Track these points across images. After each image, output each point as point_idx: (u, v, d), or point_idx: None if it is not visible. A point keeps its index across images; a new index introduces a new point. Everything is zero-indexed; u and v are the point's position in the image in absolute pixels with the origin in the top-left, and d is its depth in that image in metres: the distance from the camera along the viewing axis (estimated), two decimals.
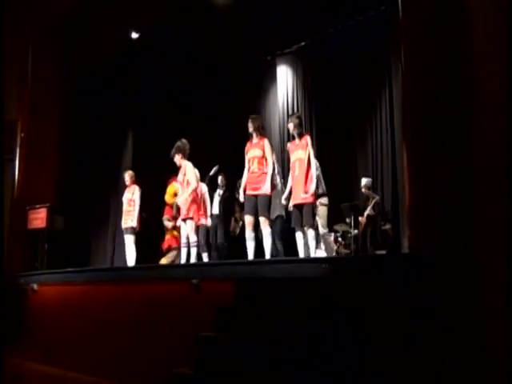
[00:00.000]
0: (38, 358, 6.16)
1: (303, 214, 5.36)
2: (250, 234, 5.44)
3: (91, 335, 5.68)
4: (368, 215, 7.27)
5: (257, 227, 5.53)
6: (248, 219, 5.46)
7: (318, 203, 6.13)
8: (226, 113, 8.91)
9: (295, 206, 5.47)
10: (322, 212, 6.50)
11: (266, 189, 5.41)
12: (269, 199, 5.47)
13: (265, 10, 7.23)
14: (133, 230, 7.16)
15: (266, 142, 5.59)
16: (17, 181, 8.43)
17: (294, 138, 5.70)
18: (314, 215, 5.55)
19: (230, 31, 7.66)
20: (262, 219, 5.37)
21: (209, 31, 7.68)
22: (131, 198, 7.27)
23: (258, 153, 5.51)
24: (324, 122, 8.39)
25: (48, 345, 6.25)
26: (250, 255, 5.40)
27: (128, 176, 7.41)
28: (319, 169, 6.26)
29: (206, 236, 6.71)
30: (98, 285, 5.80)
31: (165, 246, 7.43)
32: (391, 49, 7.06)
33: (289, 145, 5.77)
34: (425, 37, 3.82)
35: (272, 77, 9.31)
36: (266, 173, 5.47)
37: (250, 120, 5.64)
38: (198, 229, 6.34)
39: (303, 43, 8.56)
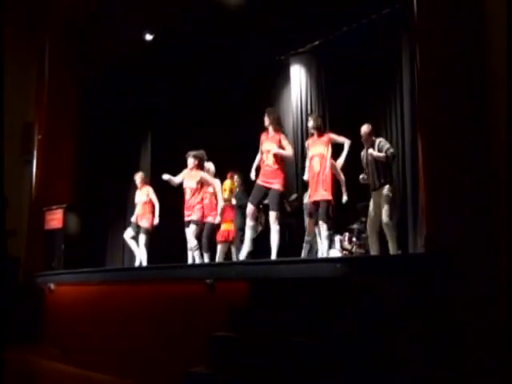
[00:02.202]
0: (55, 357, 6.23)
1: (319, 210, 5.36)
2: (250, 223, 5.36)
3: (107, 334, 5.73)
4: None
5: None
6: (250, 208, 5.33)
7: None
8: (239, 113, 8.92)
9: (314, 202, 5.44)
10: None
11: (278, 185, 5.32)
12: (280, 195, 5.38)
13: (278, 9, 7.21)
14: (146, 231, 7.20)
15: (282, 137, 5.49)
16: (34, 182, 8.55)
17: (312, 135, 5.67)
18: (328, 213, 5.51)
19: (243, 31, 7.67)
20: (272, 214, 5.27)
21: (222, 32, 7.68)
22: (146, 200, 7.29)
23: (273, 147, 5.38)
24: (338, 122, 8.34)
25: (64, 343, 6.32)
26: (247, 243, 5.34)
27: (139, 178, 7.42)
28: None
29: (210, 235, 6.71)
30: (114, 285, 5.84)
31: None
32: (405, 47, 6.99)
33: (307, 141, 5.77)
34: (440, 33, 3.78)
35: (285, 77, 9.27)
36: (280, 169, 5.37)
37: (266, 113, 5.53)
38: (203, 227, 6.45)
39: (317, 42, 8.51)
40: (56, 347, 6.41)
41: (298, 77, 9.12)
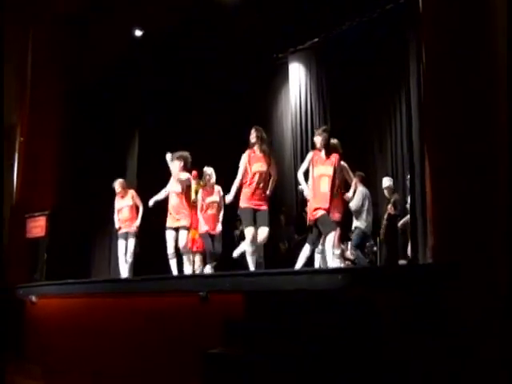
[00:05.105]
0: (35, 376, 6.17)
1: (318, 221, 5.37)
2: (250, 248, 5.37)
3: (92, 351, 5.68)
4: (389, 214, 7.18)
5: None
6: (250, 231, 5.37)
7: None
8: (233, 115, 8.92)
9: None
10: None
11: (266, 206, 5.46)
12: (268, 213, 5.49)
13: (275, 4, 7.22)
14: (135, 235, 7.23)
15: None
16: (15, 187, 8.50)
17: (318, 150, 5.55)
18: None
19: (238, 26, 7.66)
20: (265, 232, 5.37)
21: (214, 27, 7.69)
22: (131, 203, 7.31)
23: (264, 168, 5.49)
24: (340, 123, 8.35)
25: (46, 360, 6.26)
26: (251, 267, 5.38)
27: (119, 185, 7.39)
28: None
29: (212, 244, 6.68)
30: (100, 297, 5.80)
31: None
32: (411, 44, 7.00)
33: (312, 154, 5.59)
34: (446, 30, 3.79)
35: (284, 76, 9.30)
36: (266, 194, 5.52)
37: (254, 130, 5.58)
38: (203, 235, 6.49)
39: (317, 39, 8.55)
40: (37, 364, 6.35)
41: (297, 76, 9.14)
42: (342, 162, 5.65)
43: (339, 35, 8.15)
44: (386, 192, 7.40)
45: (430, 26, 4.03)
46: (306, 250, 5.44)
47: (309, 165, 5.52)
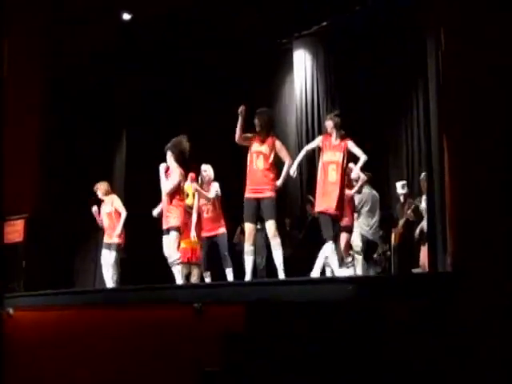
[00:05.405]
0: None
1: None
2: (249, 248, 5.46)
3: (75, 369, 5.69)
4: (407, 220, 7.23)
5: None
6: (248, 228, 5.45)
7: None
8: (233, 106, 8.91)
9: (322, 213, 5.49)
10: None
11: (270, 192, 5.43)
12: (274, 202, 5.47)
13: None
14: (117, 247, 7.26)
15: (276, 142, 5.61)
16: None
17: (329, 136, 5.68)
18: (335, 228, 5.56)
19: (238, 11, 7.67)
20: (271, 225, 5.38)
21: (209, 9, 7.65)
22: (111, 210, 7.38)
23: (264, 149, 5.52)
24: (349, 118, 8.34)
25: (25, 378, 6.28)
26: (248, 274, 5.42)
27: (100, 189, 7.43)
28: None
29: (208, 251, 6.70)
30: (83, 309, 5.82)
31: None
32: (427, 29, 7.02)
33: (321, 138, 5.76)
34: (468, 12, 3.80)
35: (288, 64, 9.31)
36: (271, 173, 5.50)
37: (256, 115, 5.65)
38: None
39: (324, 23, 8.54)
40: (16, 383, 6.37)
41: (303, 64, 9.15)
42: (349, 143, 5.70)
43: (349, 19, 8.13)
44: (401, 198, 7.46)
45: (450, 8, 4.03)
46: (326, 250, 5.49)
47: (316, 147, 5.60)
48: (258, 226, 5.84)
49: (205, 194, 6.63)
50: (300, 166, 7.58)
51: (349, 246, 6.42)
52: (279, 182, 5.55)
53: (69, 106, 9.17)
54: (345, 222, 5.98)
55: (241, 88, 9.00)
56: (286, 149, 5.76)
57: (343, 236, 6.24)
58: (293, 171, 5.59)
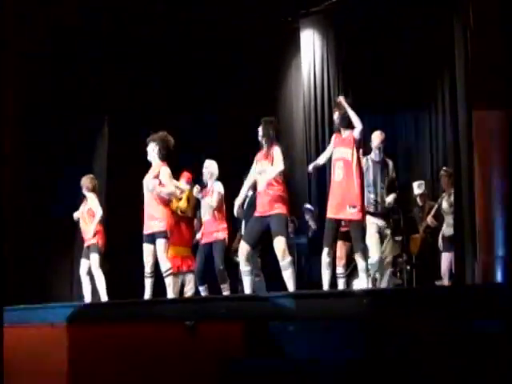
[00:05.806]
0: None
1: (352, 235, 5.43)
2: (244, 268, 5.52)
3: None
4: (427, 227, 7.21)
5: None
6: (243, 247, 5.52)
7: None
8: (234, 93, 8.91)
9: (332, 219, 5.48)
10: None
11: (281, 209, 5.46)
12: (286, 218, 5.53)
13: None
14: (97, 248, 7.23)
15: (276, 150, 5.58)
16: None
17: (339, 131, 5.68)
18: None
19: None
20: (281, 242, 5.38)
21: None
22: (85, 209, 7.45)
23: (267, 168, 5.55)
24: (362, 104, 8.32)
25: None
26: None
27: (86, 184, 7.46)
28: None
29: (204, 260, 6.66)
30: (60, 327, 5.78)
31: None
32: (454, 5, 6.99)
33: (334, 135, 5.77)
34: None
35: (294, 44, 9.33)
36: (281, 190, 5.53)
37: (261, 124, 5.70)
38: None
39: None
40: None
41: (311, 44, 9.16)
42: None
43: None
44: (418, 200, 7.54)
45: None
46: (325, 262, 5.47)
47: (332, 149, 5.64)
48: None
49: (207, 202, 6.62)
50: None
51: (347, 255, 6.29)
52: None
53: (44, 92, 9.16)
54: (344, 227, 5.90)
55: (240, 73, 9.00)
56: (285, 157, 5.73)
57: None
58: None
